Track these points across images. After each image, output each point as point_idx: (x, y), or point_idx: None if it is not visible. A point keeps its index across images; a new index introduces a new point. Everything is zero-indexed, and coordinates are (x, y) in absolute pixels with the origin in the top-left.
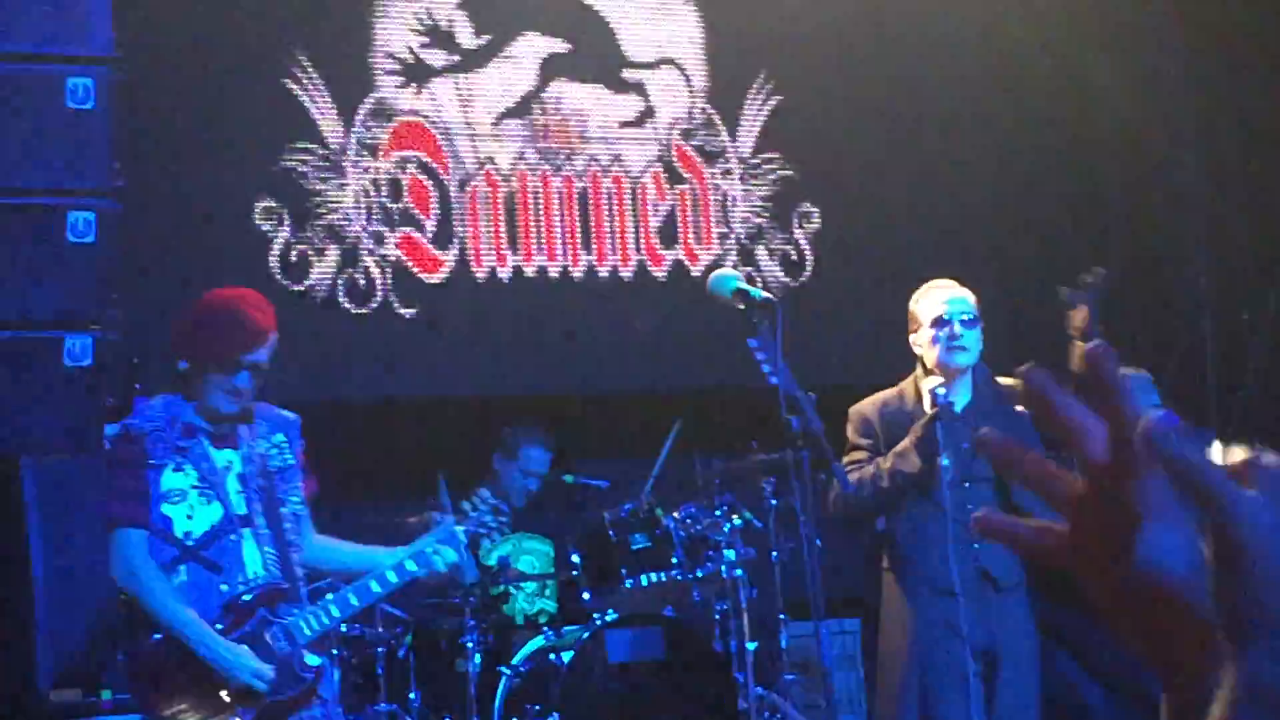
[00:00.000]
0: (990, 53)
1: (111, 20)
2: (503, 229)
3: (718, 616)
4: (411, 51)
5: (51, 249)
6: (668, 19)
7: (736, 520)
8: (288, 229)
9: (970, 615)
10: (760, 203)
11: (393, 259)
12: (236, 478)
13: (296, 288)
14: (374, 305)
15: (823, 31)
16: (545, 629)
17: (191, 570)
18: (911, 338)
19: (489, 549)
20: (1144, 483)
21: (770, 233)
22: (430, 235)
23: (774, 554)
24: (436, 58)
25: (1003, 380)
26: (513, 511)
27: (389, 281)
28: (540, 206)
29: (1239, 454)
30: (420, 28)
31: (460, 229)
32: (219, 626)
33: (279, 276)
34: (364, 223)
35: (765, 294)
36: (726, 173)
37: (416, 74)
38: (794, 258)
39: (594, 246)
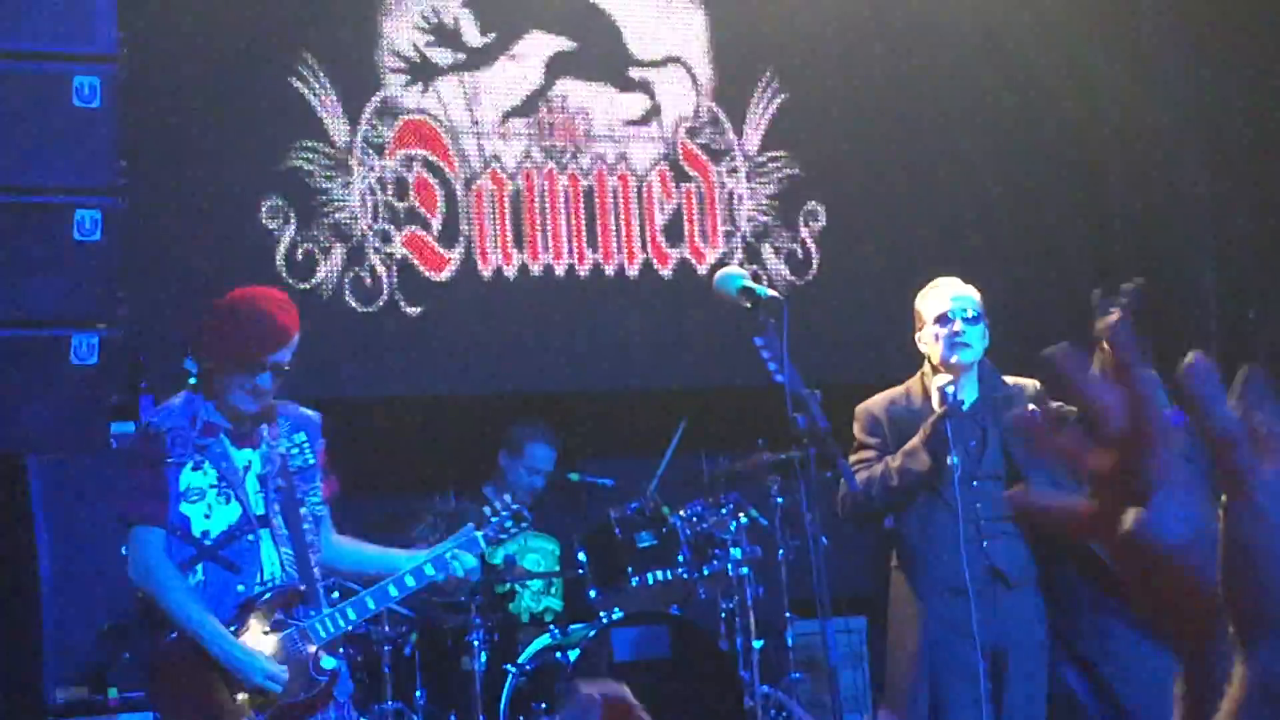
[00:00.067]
0: (995, 51)
1: (117, 19)
2: (508, 227)
3: (723, 615)
4: (417, 50)
5: (57, 247)
6: (674, 18)
7: (742, 518)
8: (294, 227)
9: (980, 613)
10: (766, 201)
11: (399, 257)
12: (256, 478)
13: (302, 286)
14: (380, 303)
15: (828, 30)
16: (551, 627)
17: (208, 570)
18: (916, 335)
19: (494, 548)
20: (1155, 456)
21: (776, 231)
22: (436, 233)
23: (780, 552)
24: (443, 56)
25: (1009, 379)
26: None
27: (395, 280)
28: (546, 205)
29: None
30: (426, 26)
31: (466, 227)
32: (234, 627)
33: (285, 275)
34: (370, 221)
35: (771, 292)
36: (732, 171)
37: (423, 72)
38: (800, 256)
39: (600, 245)
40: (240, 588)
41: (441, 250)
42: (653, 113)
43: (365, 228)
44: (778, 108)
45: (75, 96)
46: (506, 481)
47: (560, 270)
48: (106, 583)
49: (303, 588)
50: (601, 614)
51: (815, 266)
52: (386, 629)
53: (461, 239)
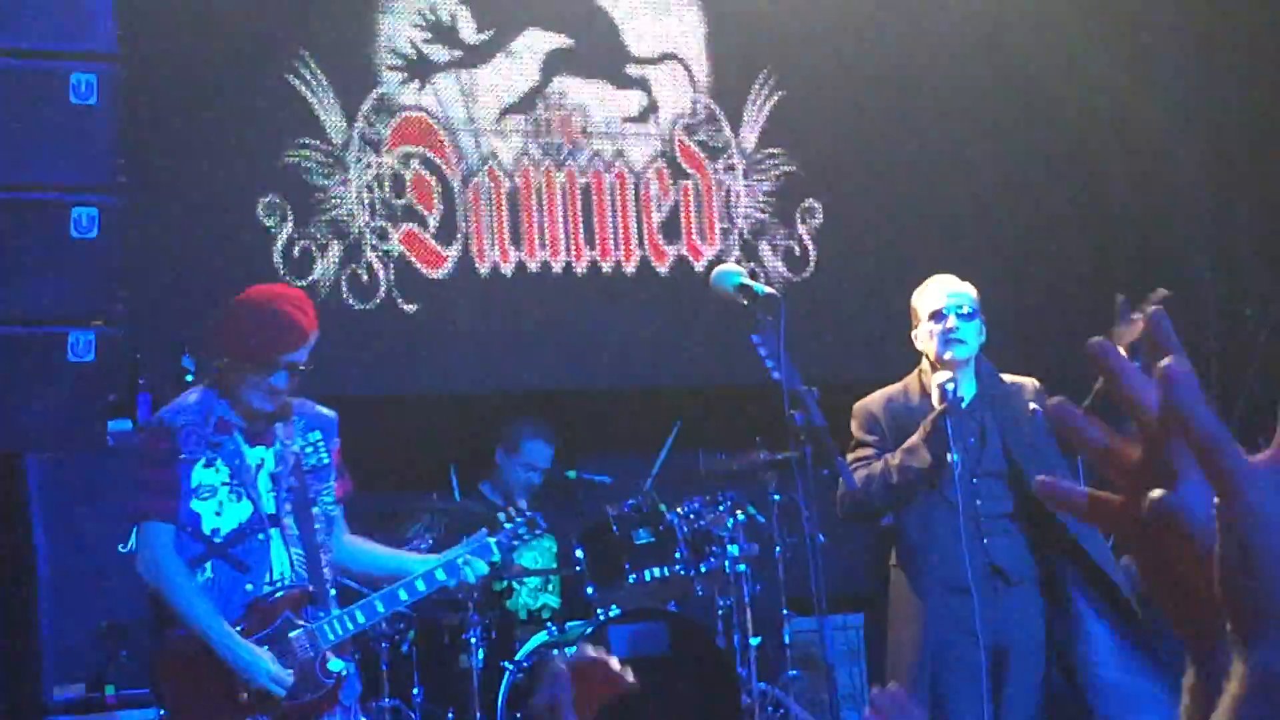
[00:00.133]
0: (994, 48)
1: (114, 16)
2: (506, 224)
3: (721, 612)
4: (415, 47)
5: (55, 245)
6: (670, 14)
7: (740, 516)
8: (291, 224)
9: (982, 611)
10: (763, 198)
11: (396, 254)
12: (268, 476)
13: (299, 283)
14: (377, 301)
15: (826, 27)
16: (548, 624)
17: (217, 568)
18: (913, 333)
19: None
20: (1185, 442)
21: (773, 228)
22: (433, 231)
23: (777, 549)
24: (440, 53)
25: (1007, 377)
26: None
27: (392, 277)
28: (543, 202)
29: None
30: (423, 23)
31: (463, 224)
32: (241, 627)
33: (282, 272)
34: (367, 218)
35: (768, 289)
36: (730, 168)
37: (420, 69)
38: (797, 253)
39: (597, 242)
40: (249, 586)
41: (438, 247)
42: (650, 110)
43: (362, 225)
44: (775, 105)
45: (72, 94)
46: (503, 479)
47: (557, 267)
48: (104, 581)
49: (311, 589)
50: (599, 611)
51: (812, 264)
52: (384, 626)
53: (458, 236)
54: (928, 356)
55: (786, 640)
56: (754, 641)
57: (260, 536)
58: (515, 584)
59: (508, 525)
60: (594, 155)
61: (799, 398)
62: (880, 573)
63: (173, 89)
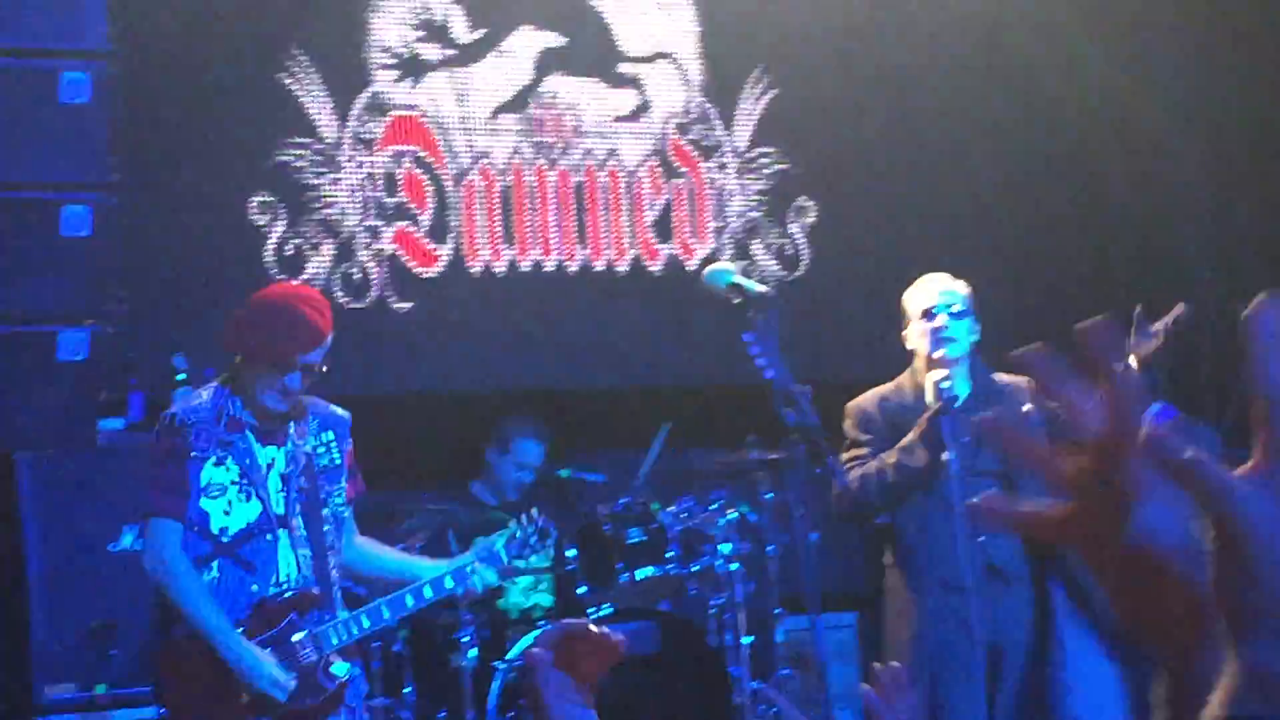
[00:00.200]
0: (988, 45)
1: (106, 15)
2: (498, 223)
3: (713, 611)
4: (407, 45)
5: (46, 244)
6: (663, 13)
7: (732, 514)
8: (283, 223)
9: (979, 609)
10: (756, 197)
11: (388, 253)
12: (278, 476)
13: (291, 282)
14: (369, 300)
15: (819, 25)
16: (540, 623)
17: (223, 567)
18: (905, 331)
19: None
20: (1136, 461)
21: (766, 227)
22: (426, 229)
23: (770, 548)
24: (432, 52)
25: (1000, 376)
26: (508, 506)
27: (384, 276)
28: (536, 201)
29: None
30: (415, 22)
31: (456, 223)
32: (245, 628)
33: (274, 271)
34: (359, 217)
35: (760, 288)
36: (722, 167)
37: (412, 68)
38: (789, 252)
39: (589, 241)
40: (254, 587)
41: (431, 246)
42: (642, 108)
43: (354, 224)
44: (768, 103)
45: (63, 93)
46: (495, 478)
47: (550, 266)
48: (96, 580)
49: (317, 591)
50: (590, 610)
51: (805, 263)
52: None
53: (451, 235)
54: (919, 355)
55: (779, 639)
56: (746, 641)
57: (268, 537)
58: (507, 583)
59: (518, 534)
60: (586, 154)
61: (791, 396)
62: (874, 572)
63: (164, 88)
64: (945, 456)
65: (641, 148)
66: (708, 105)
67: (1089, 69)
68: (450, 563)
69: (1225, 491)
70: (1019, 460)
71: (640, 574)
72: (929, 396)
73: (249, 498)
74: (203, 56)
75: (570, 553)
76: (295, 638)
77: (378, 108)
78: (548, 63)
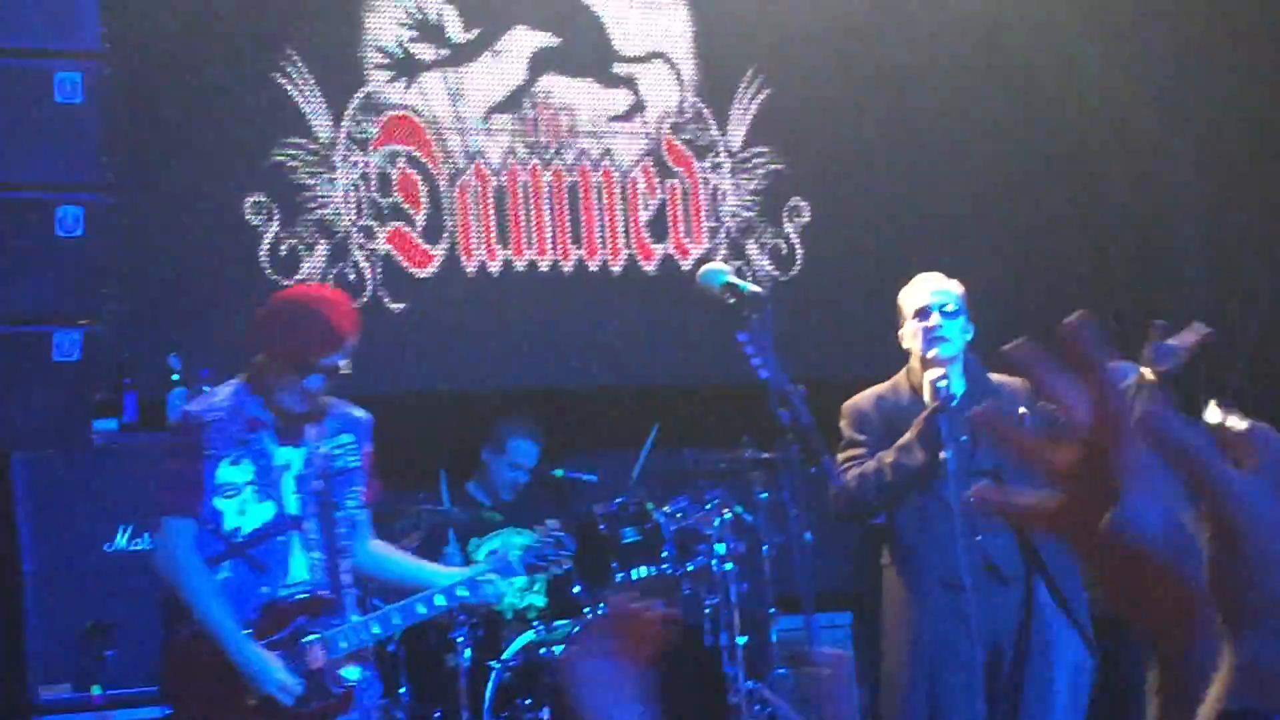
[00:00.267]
0: (982, 45)
1: (100, 15)
2: (492, 223)
3: (708, 610)
4: (401, 45)
5: (40, 244)
6: (657, 13)
7: (727, 514)
8: (277, 223)
9: (978, 607)
10: (750, 196)
11: (382, 253)
12: (294, 478)
13: (286, 282)
14: (364, 299)
15: (813, 25)
16: (535, 623)
17: (235, 567)
18: (899, 331)
19: (478, 544)
20: (1122, 452)
21: (760, 227)
22: (420, 229)
23: (764, 548)
24: (426, 52)
25: (995, 376)
26: (503, 505)
27: (379, 276)
28: (530, 200)
29: (1238, 423)
30: (410, 21)
31: (450, 223)
32: (253, 629)
33: (269, 271)
34: (354, 217)
35: (755, 288)
36: (716, 167)
37: (406, 68)
38: (784, 251)
39: (584, 241)
40: (265, 588)
41: (425, 246)
42: (637, 108)
43: (349, 224)
44: (762, 103)
45: (57, 93)
46: (490, 477)
47: (544, 266)
48: (90, 580)
49: (329, 595)
50: (585, 609)
51: (799, 262)
52: None
53: (445, 235)
54: (914, 354)
55: (774, 639)
56: (741, 640)
57: (281, 538)
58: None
59: (534, 545)
60: (581, 154)
61: (786, 396)
62: (869, 571)
63: (159, 88)
64: (943, 455)
65: (636, 148)
66: (702, 105)
67: (1087, 69)
68: (463, 572)
69: (1222, 483)
70: (1010, 452)
71: (635, 574)
72: (926, 395)
73: (264, 498)
74: (197, 57)
75: None
76: (304, 642)
77: (372, 108)
78: (542, 63)
